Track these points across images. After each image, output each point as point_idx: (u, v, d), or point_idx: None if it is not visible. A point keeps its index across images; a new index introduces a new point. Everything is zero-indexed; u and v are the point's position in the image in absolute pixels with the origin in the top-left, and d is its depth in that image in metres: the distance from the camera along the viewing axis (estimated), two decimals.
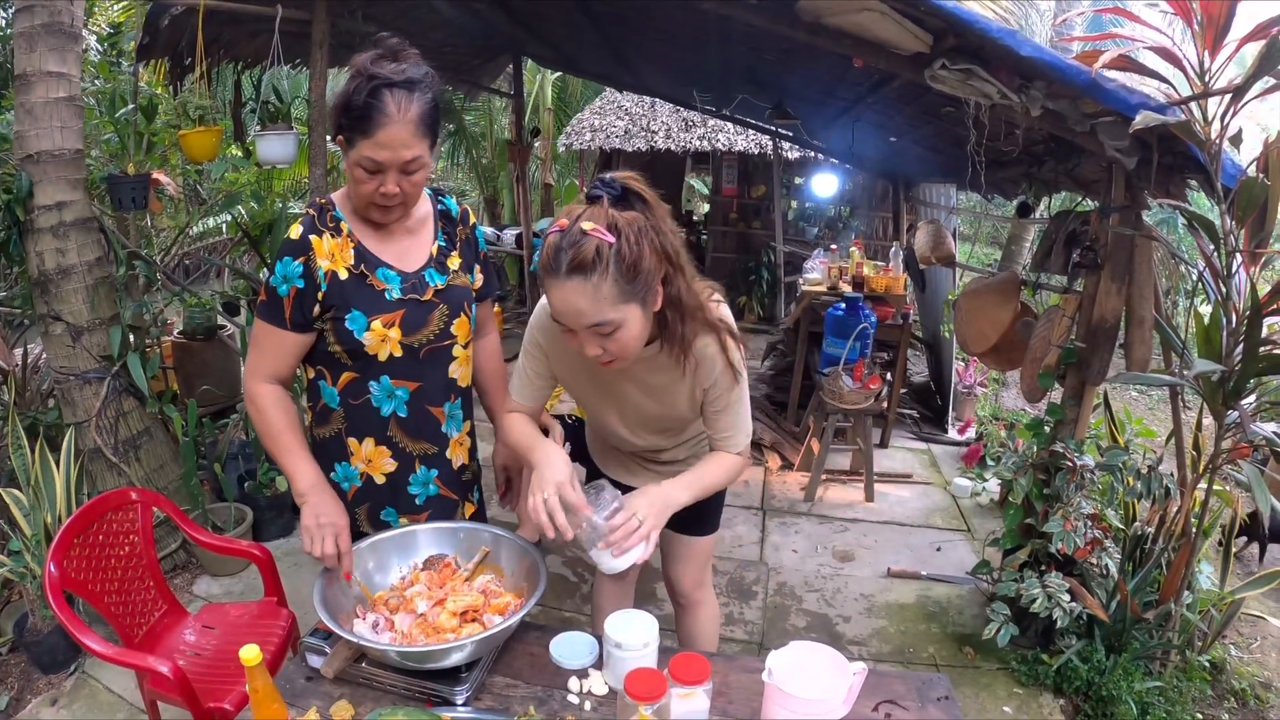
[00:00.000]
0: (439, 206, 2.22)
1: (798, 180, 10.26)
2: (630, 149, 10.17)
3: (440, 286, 2.12)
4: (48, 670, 3.42)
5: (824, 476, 5.44)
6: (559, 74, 11.81)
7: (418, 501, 2.25)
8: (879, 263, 7.01)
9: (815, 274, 6.83)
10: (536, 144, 11.03)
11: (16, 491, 3.49)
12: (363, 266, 2.02)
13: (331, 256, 1.99)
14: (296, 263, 1.96)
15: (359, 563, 1.99)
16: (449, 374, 2.20)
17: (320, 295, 1.98)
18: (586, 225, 1.62)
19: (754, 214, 10.51)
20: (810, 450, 5.64)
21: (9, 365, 4.28)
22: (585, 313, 1.67)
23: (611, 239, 1.62)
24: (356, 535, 2.14)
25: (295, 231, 1.99)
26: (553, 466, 1.90)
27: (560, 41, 6.61)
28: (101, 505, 2.62)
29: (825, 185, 9.11)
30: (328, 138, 3.87)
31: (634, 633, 1.74)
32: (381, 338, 2.02)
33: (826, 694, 1.58)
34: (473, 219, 2.30)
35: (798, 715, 1.56)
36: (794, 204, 10.56)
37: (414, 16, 5.53)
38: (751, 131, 9.32)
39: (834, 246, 7.57)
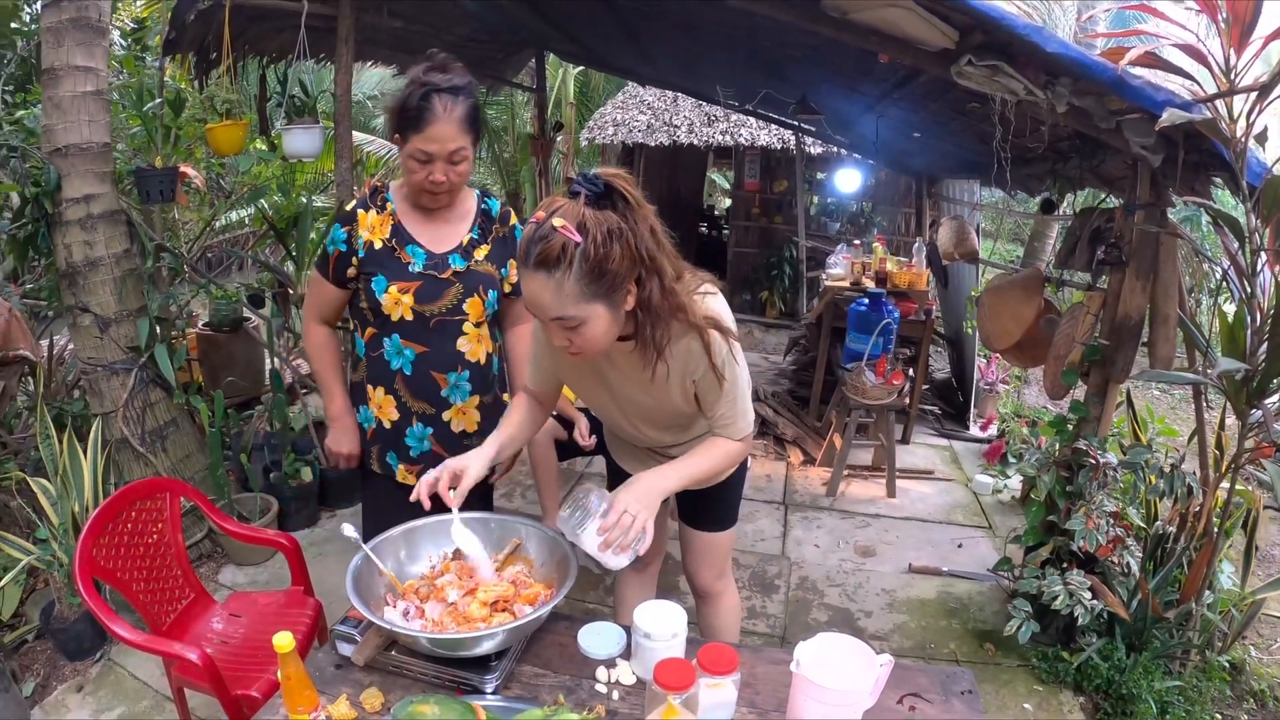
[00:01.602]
0: (482, 205, 2.54)
1: (820, 175, 10.24)
2: (653, 143, 10.16)
3: (460, 270, 2.43)
4: (74, 657, 3.46)
5: (846, 472, 5.44)
6: (581, 68, 11.81)
7: (412, 453, 2.57)
8: (902, 258, 6.99)
9: (838, 269, 6.83)
10: (559, 138, 11.05)
11: (44, 481, 3.53)
12: (394, 241, 2.39)
13: (372, 229, 2.39)
14: (343, 230, 2.39)
15: (390, 551, 2.01)
16: (457, 346, 2.48)
17: (357, 260, 2.39)
18: (557, 222, 1.63)
19: (776, 209, 10.49)
20: (832, 445, 5.64)
21: (37, 356, 4.32)
22: (547, 306, 1.70)
23: (579, 238, 1.63)
24: (366, 473, 2.67)
25: (350, 205, 2.44)
26: (463, 458, 2.04)
27: (583, 36, 6.60)
28: (131, 494, 2.65)
29: (848, 180, 9.08)
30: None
31: (663, 623, 1.76)
32: (395, 301, 2.37)
33: (854, 685, 1.59)
34: (513, 219, 2.59)
35: (826, 705, 1.57)
36: (816, 199, 10.54)
37: (438, 11, 5.54)
38: (774, 126, 9.28)
39: (857, 242, 7.56)
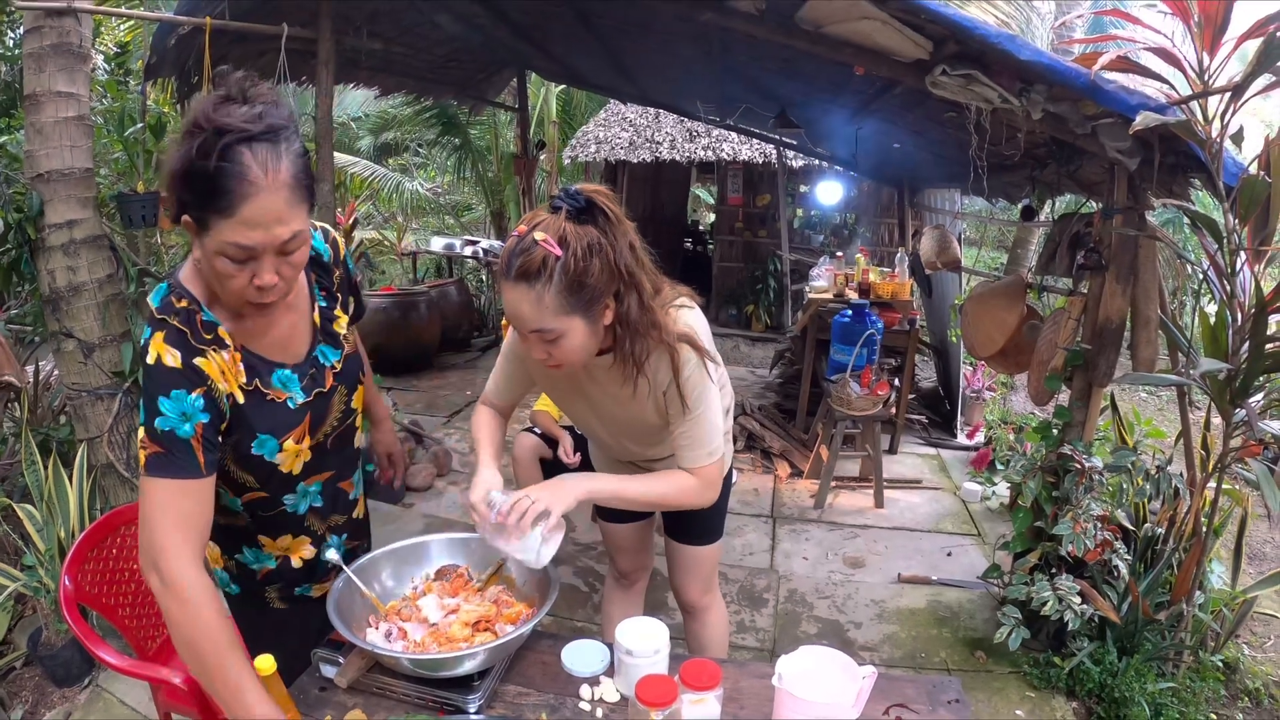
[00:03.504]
0: (310, 252, 1.74)
1: (803, 188, 10.26)
2: (635, 160, 10.18)
3: (337, 367, 1.86)
4: (62, 684, 3.43)
5: (833, 483, 5.43)
6: (563, 87, 11.85)
7: (330, 564, 1.94)
8: (885, 269, 7.01)
9: (821, 281, 6.85)
10: (542, 157, 11.08)
11: (30, 507, 3.52)
12: (257, 381, 1.69)
13: (223, 375, 1.62)
14: (195, 395, 1.56)
15: (372, 573, 1.99)
16: (354, 446, 2.02)
17: (224, 425, 1.64)
18: (539, 235, 1.65)
19: (760, 223, 10.51)
20: (819, 457, 5.64)
21: (21, 382, 4.31)
22: (527, 318, 1.71)
23: (559, 252, 1.64)
24: (266, 609, 1.99)
25: (171, 358, 1.55)
26: (483, 479, 1.94)
27: (563, 54, 6.64)
28: (115, 519, 2.63)
29: (830, 193, 9.13)
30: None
31: (645, 639, 1.75)
32: (295, 453, 1.79)
33: (836, 698, 1.59)
34: (343, 250, 1.96)
35: (809, 718, 1.57)
36: (799, 212, 10.56)
37: (418, 32, 5.57)
38: (756, 141, 9.32)
39: (840, 254, 7.58)
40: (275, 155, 1.43)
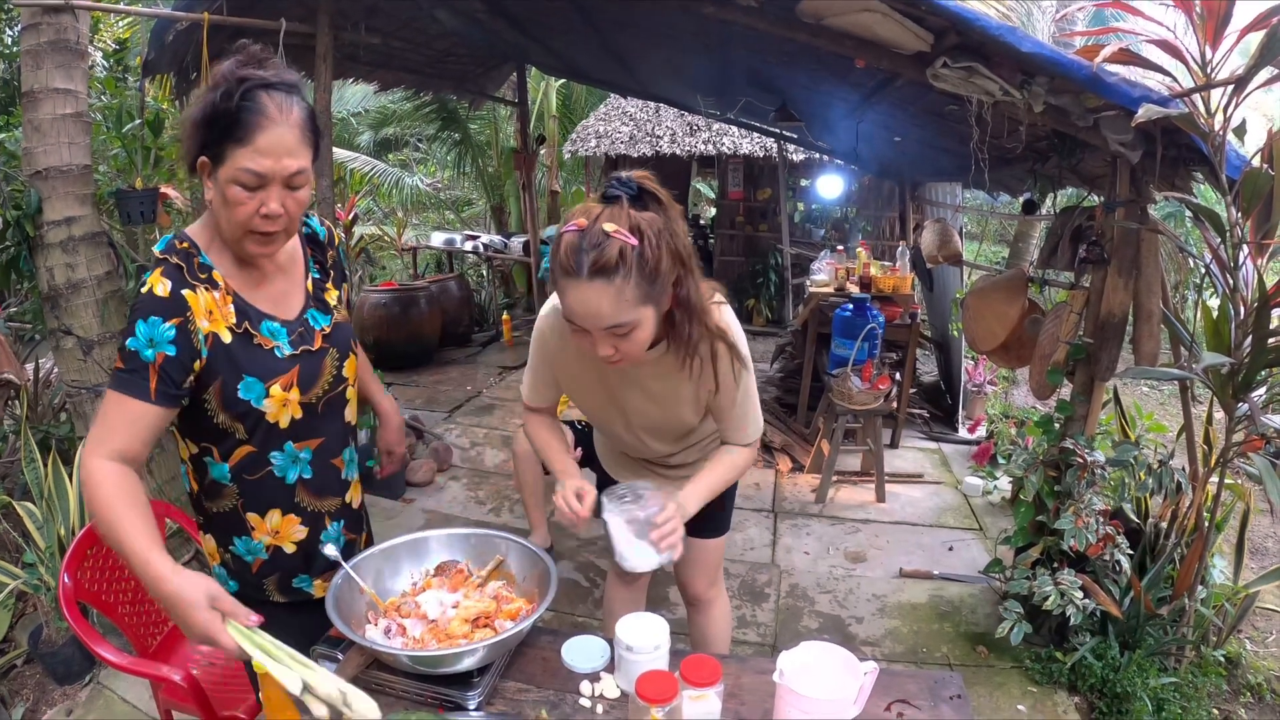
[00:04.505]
0: (305, 230, 1.97)
1: (803, 182, 10.27)
2: (635, 154, 10.19)
3: (327, 330, 1.92)
4: (63, 681, 3.43)
5: (835, 478, 5.43)
6: (563, 81, 11.83)
7: (330, 558, 1.94)
8: (886, 263, 7.01)
9: (822, 275, 6.83)
10: (542, 151, 11.06)
11: (30, 505, 3.52)
12: (246, 324, 1.76)
13: (210, 314, 1.70)
14: (168, 325, 1.63)
15: (371, 569, 1.99)
16: (345, 419, 2.01)
17: (199, 364, 1.69)
18: (609, 226, 1.62)
19: (760, 217, 10.52)
20: (820, 452, 5.63)
21: (21, 380, 4.31)
22: (606, 315, 1.67)
23: (634, 241, 1.62)
24: (267, 604, 1.94)
25: (162, 287, 1.65)
26: (571, 474, 2.06)
27: (562, 49, 6.62)
28: None
29: (831, 187, 9.12)
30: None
31: (645, 635, 1.74)
32: (282, 402, 1.81)
33: (838, 694, 1.58)
34: (338, 238, 2.10)
35: (809, 716, 1.56)
36: (800, 206, 10.56)
37: (416, 27, 5.56)
38: (757, 135, 9.32)
39: (841, 247, 7.57)
40: (288, 101, 1.63)
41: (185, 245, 1.73)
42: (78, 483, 3.54)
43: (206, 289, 1.70)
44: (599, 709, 1.75)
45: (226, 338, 1.72)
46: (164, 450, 4.11)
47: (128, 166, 4.29)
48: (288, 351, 1.81)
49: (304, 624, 1.91)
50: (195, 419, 1.79)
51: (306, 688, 1.46)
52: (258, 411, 1.78)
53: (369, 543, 2.21)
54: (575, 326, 1.77)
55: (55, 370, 4.33)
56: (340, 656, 1.80)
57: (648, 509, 1.92)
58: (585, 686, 1.81)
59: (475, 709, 1.71)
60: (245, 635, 1.53)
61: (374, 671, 1.80)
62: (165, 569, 1.52)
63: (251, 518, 1.90)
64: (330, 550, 1.93)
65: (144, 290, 1.65)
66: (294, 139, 1.63)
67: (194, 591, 1.51)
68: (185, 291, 1.66)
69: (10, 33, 5.07)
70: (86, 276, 3.75)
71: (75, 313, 3.75)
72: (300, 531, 1.96)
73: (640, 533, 1.92)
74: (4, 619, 3.56)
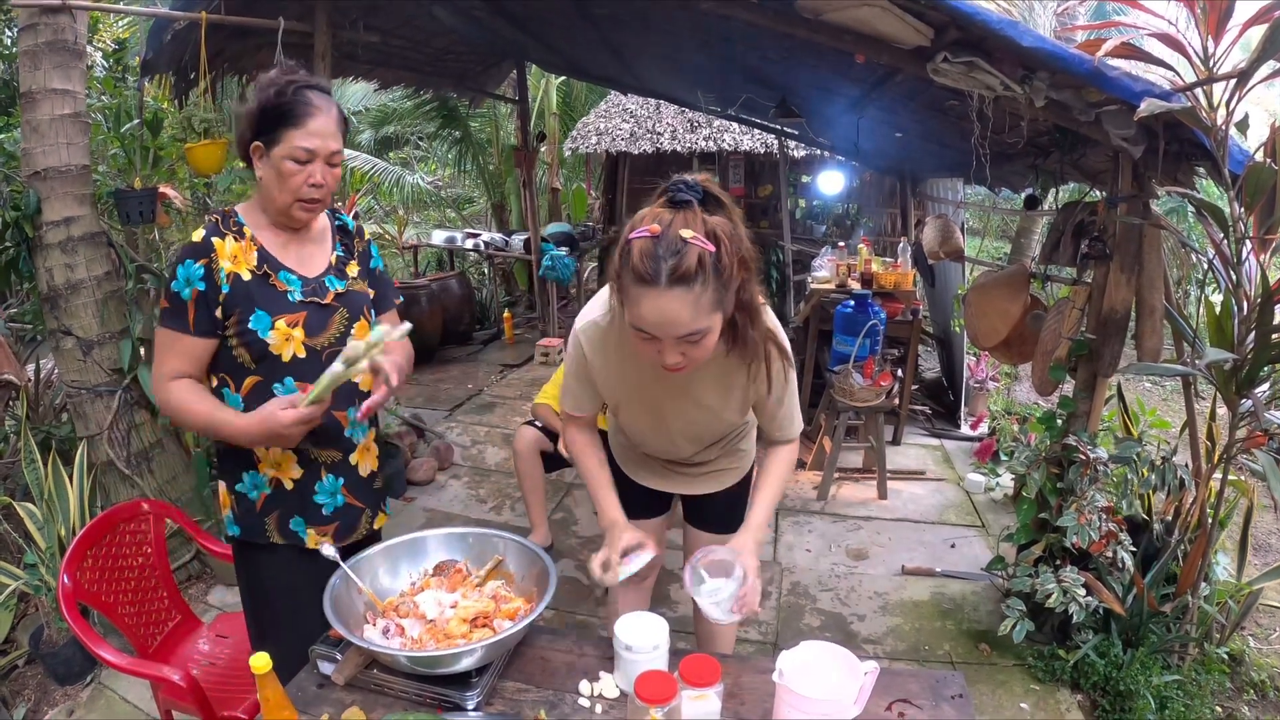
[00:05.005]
0: (336, 221, 2.28)
1: (804, 178, 10.23)
2: (636, 151, 10.16)
3: (340, 291, 2.16)
4: (64, 682, 3.43)
5: (836, 475, 5.42)
6: (563, 78, 11.82)
7: (325, 512, 2.19)
8: (887, 259, 6.98)
9: (824, 272, 6.81)
10: (542, 149, 11.05)
11: (30, 505, 3.52)
12: (265, 267, 2.04)
13: (234, 258, 2.01)
14: (198, 265, 1.96)
15: (369, 569, 1.98)
16: (351, 378, 2.08)
17: (222, 297, 1.98)
18: (686, 233, 1.59)
19: (761, 213, 10.48)
20: (822, 449, 5.63)
21: (21, 380, 4.30)
22: (684, 323, 1.65)
23: (712, 247, 1.60)
24: (267, 546, 2.19)
25: (197, 235, 2.01)
26: (618, 522, 2.14)
27: (562, 46, 6.61)
28: (114, 517, 2.63)
29: (832, 183, 9.08)
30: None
31: (644, 635, 1.74)
32: (285, 336, 2.04)
33: (838, 694, 1.57)
34: (368, 235, 2.37)
35: (809, 716, 1.55)
36: (801, 202, 10.53)
37: (415, 25, 5.55)
38: (757, 131, 9.29)
39: (842, 244, 7.55)
40: (328, 99, 2.02)
41: (227, 209, 2.08)
42: (78, 483, 3.54)
43: (235, 239, 2.03)
44: (598, 709, 1.75)
45: (246, 276, 2.01)
46: (164, 450, 4.11)
47: (126, 166, 4.28)
48: (299, 298, 2.07)
49: (306, 569, 2.09)
50: (219, 353, 2.06)
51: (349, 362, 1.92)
52: (263, 342, 2.02)
53: (376, 528, 2.35)
54: (644, 335, 1.72)
55: (55, 371, 4.32)
56: (339, 657, 1.80)
57: (729, 585, 1.97)
58: (584, 686, 1.81)
59: (474, 709, 1.71)
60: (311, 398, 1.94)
61: (372, 672, 1.80)
62: (240, 421, 1.97)
63: (257, 450, 2.11)
64: (328, 550, 1.94)
65: (186, 242, 2.03)
66: (333, 126, 2.01)
67: (265, 409, 1.94)
68: (215, 239, 2.00)
69: (9, 33, 5.06)
70: (86, 277, 3.75)
71: (75, 313, 3.75)
72: (296, 470, 2.16)
73: (725, 604, 1.97)
74: (5, 620, 3.56)
